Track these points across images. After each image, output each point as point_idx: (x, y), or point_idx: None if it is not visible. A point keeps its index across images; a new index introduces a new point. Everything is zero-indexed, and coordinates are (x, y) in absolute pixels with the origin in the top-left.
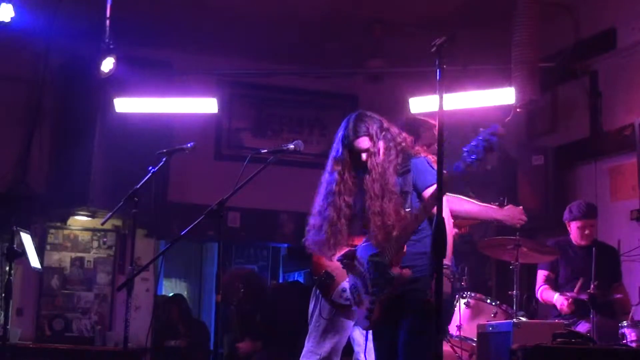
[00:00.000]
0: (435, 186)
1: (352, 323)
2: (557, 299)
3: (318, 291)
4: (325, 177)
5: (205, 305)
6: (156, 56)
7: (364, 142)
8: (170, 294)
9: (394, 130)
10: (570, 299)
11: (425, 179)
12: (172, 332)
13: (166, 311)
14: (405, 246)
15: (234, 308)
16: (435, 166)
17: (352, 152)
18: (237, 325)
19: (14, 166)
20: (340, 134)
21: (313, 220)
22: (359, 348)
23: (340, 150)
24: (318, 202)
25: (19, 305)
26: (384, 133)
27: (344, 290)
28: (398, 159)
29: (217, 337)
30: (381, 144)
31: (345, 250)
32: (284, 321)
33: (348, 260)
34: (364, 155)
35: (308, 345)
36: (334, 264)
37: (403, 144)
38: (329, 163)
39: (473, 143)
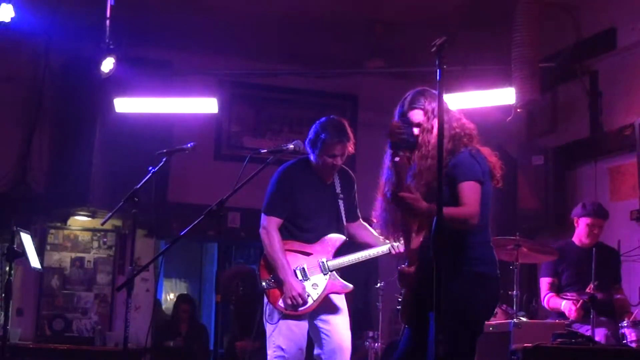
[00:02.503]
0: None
1: (305, 324)
2: (565, 306)
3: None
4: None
5: (205, 305)
6: (156, 56)
7: (416, 115)
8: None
9: (454, 114)
10: (579, 305)
11: (462, 172)
12: (172, 332)
13: (176, 307)
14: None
15: (233, 306)
16: (487, 159)
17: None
18: (235, 324)
19: (14, 166)
20: (397, 109)
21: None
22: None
23: None
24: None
25: (19, 305)
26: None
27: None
28: (448, 144)
29: (217, 337)
30: (436, 123)
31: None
32: None
33: None
34: (415, 130)
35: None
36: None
37: (457, 130)
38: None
39: None
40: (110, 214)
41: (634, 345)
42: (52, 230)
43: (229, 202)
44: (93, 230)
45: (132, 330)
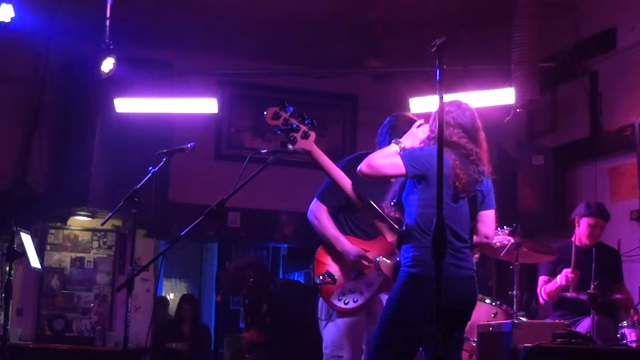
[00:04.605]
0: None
1: (363, 319)
2: (560, 276)
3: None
4: None
5: (205, 305)
6: (156, 56)
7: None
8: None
9: (448, 120)
10: (571, 270)
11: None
12: (175, 333)
13: (179, 308)
14: None
15: (243, 297)
16: (453, 164)
17: None
18: (245, 315)
19: (14, 166)
20: None
21: None
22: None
23: None
24: None
25: (19, 305)
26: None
27: (342, 294)
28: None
29: (218, 337)
30: (426, 128)
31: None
32: (288, 317)
33: None
34: None
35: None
36: (335, 265)
37: (432, 135)
38: None
39: None
40: (110, 214)
41: (634, 345)
42: (52, 230)
43: (229, 202)
44: (93, 230)
45: (132, 330)
